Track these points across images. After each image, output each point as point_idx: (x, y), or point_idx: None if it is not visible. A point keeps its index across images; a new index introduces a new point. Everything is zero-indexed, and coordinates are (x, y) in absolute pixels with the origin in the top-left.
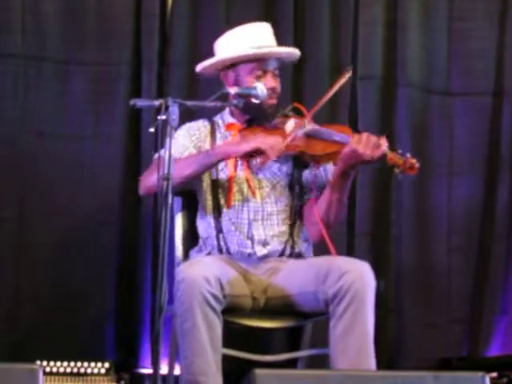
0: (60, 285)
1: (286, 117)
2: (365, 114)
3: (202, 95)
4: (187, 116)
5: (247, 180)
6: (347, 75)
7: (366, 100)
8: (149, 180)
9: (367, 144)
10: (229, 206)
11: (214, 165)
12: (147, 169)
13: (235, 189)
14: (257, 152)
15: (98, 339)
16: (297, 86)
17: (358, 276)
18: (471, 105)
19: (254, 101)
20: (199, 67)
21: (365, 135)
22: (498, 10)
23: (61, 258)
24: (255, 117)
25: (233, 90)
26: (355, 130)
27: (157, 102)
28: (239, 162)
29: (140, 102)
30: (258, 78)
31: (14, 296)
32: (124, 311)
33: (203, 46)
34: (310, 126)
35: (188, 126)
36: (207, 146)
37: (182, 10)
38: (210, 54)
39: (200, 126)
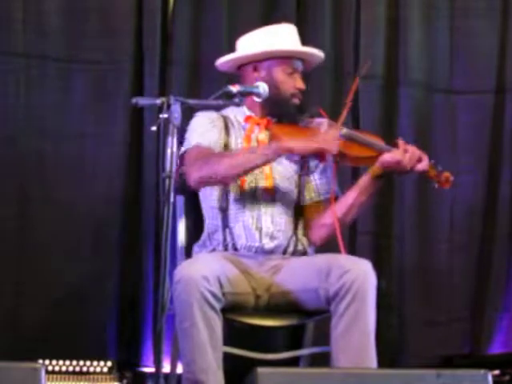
0: (62, 284)
1: (312, 117)
2: (367, 112)
3: (204, 93)
4: (190, 114)
5: (262, 174)
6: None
7: (368, 99)
8: (202, 170)
9: (412, 157)
10: (241, 202)
11: (275, 160)
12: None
13: (248, 184)
14: (317, 152)
15: (101, 338)
16: None
17: (360, 274)
18: (474, 103)
19: (256, 99)
20: (222, 60)
21: (410, 149)
22: (500, 8)
23: (62, 257)
24: (278, 113)
25: (235, 89)
26: (357, 128)
27: (159, 101)
28: None
29: (142, 101)
30: (290, 75)
31: (15, 294)
32: (126, 310)
33: (205, 45)
34: (346, 129)
35: (203, 113)
36: (223, 137)
37: (184, 8)
38: (212, 52)
39: (215, 118)
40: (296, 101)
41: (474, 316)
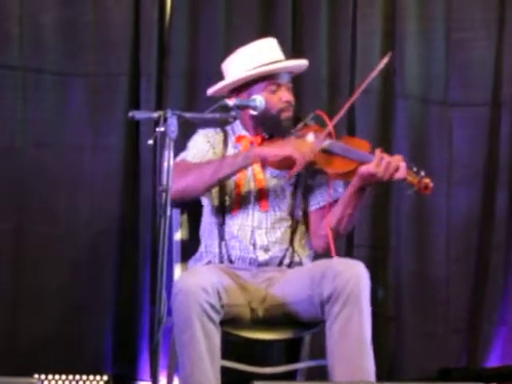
0: (59, 297)
1: (307, 127)
2: (363, 124)
3: (201, 106)
4: (186, 128)
5: (256, 188)
6: (385, 60)
7: (364, 111)
8: (178, 183)
9: (387, 168)
10: (234, 213)
11: (247, 166)
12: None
13: (242, 196)
14: (289, 160)
15: (97, 352)
16: (295, 100)
17: (353, 276)
18: (469, 115)
19: (253, 112)
20: (210, 91)
21: (385, 159)
22: (496, 20)
23: (59, 270)
24: (271, 131)
25: (231, 102)
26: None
27: (155, 114)
28: (249, 169)
29: (138, 114)
30: (273, 92)
31: (12, 308)
32: (123, 323)
33: (202, 58)
34: (328, 141)
35: (204, 132)
36: (220, 152)
37: (181, 21)
38: (209, 65)
39: (213, 134)
40: (286, 114)
41: (471, 328)
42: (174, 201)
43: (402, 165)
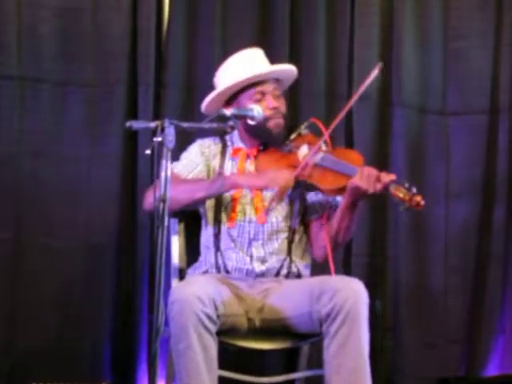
0: (57, 307)
1: (302, 137)
2: (360, 134)
3: (199, 116)
4: (184, 137)
5: (253, 201)
6: (376, 71)
7: (361, 120)
8: (151, 197)
9: (368, 179)
10: (231, 226)
11: (225, 192)
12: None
13: (238, 208)
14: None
15: (96, 361)
16: (293, 109)
17: (351, 294)
18: (467, 124)
19: (250, 122)
20: (203, 107)
21: (365, 170)
22: (493, 29)
23: (57, 280)
24: (264, 140)
25: (228, 112)
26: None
27: (153, 124)
28: None
29: (136, 124)
30: (258, 101)
31: (10, 318)
32: (121, 333)
33: (199, 67)
34: (321, 155)
35: (200, 142)
36: (216, 164)
37: (178, 31)
38: (206, 75)
39: (211, 144)
40: (275, 122)
41: (470, 338)
42: (149, 210)
43: (384, 176)
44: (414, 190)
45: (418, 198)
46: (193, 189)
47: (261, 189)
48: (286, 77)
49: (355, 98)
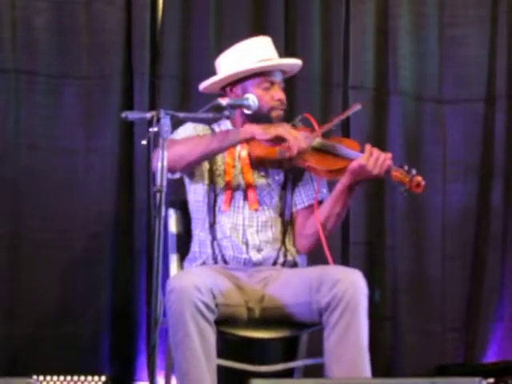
0: (55, 299)
1: (295, 128)
2: (357, 122)
3: (194, 107)
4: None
5: (245, 187)
6: (357, 109)
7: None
8: (173, 152)
9: (376, 161)
10: (225, 214)
11: (237, 144)
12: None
13: (232, 195)
14: (280, 141)
15: (94, 353)
16: (288, 99)
17: (351, 285)
18: (464, 112)
19: (246, 111)
20: (203, 85)
21: (375, 152)
22: (489, 16)
23: (55, 272)
24: None
25: (224, 101)
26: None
27: (148, 114)
28: (238, 167)
29: (131, 115)
30: (267, 89)
31: (8, 311)
32: (120, 324)
33: (194, 58)
34: (318, 139)
35: (193, 124)
36: None
37: (173, 22)
38: (201, 66)
39: (203, 129)
40: (277, 113)
41: (468, 325)
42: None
43: (388, 157)
44: (414, 171)
45: (419, 179)
46: (206, 141)
47: (276, 138)
48: (292, 70)
49: (334, 122)
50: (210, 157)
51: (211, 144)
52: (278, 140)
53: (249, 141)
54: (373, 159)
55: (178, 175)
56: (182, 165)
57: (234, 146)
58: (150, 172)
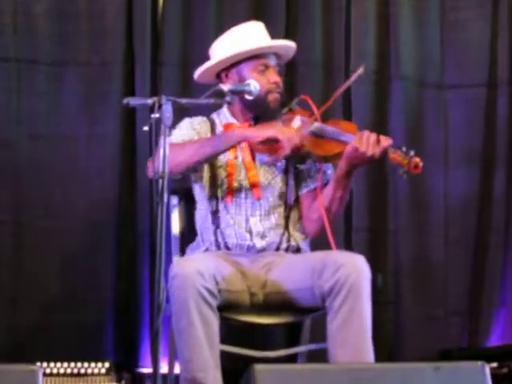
0: (58, 286)
1: (292, 112)
2: (359, 108)
3: (195, 93)
4: (181, 114)
5: (247, 177)
6: (360, 71)
7: (359, 94)
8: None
9: (368, 142)
10: (228, 203)
11: (230, 147)
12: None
13: (234, 185)
14: (272, 141)
15: (98, 339)
16: (290, 84)
17: (354, 269)
18: (465, 97)
19: (248, 97)
20: (197, 73)
21: (365, 133)
22: (491, 1)
23: (58, 259)
24: (259, 113)
25: (226, 87)
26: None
27: (150, 101)
28: (239, 158)
29: (133, 101)
30: (262, 72)
31: (12, 298)
32: (123, 311)
33: (196, 45)
34: (315, 124)
35: (189, 120)
36: None
37: (174, 8)
38: (202, 53)
39: (201, 122)
40: (274, 96)
41: (471, 310)
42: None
43: (384, 139)
44: (412, 152)
45: (417, 160)
46: (201, 146)
47: (269, 140)
48: (286, 54)
49: (339, 93)
50: (206, 162)
51: (205, 150)
52: (271, 141)
53: (241, 143)
54: (364, 140)
55: (178, 176)
56: (178, 172)
57: (227, 149)
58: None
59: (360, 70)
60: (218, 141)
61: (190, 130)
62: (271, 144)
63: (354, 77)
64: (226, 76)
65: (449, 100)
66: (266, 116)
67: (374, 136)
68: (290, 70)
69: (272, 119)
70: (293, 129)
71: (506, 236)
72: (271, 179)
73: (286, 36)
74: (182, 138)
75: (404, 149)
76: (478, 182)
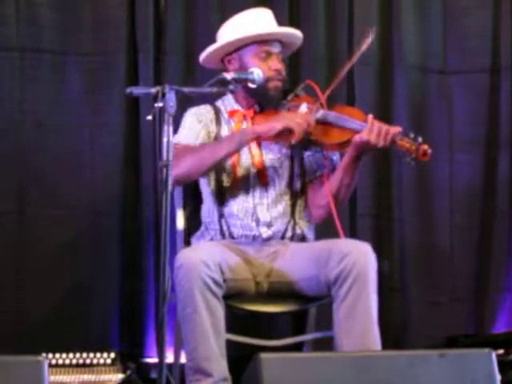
0: (63, 276)
1: (298, 98)
2: (362, 95)
3: (199, 82)
4: (184, 103)
5: (254, 165)
6: (369, 40)
7: (363, 82)
8: (178, 169)
9: (379, 133)
10: (234, 192)
11: (244, 147)
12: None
13: (240, 174)
14: (285, 131)
15: (103, 329)
16: (293, 73)
17: (360, 257)
18: (469, 83)
19: (251, 85)
20: (203, 55)
21: (376, 126)
22: None
23: (63, 250)
24: (260, 100)
25: (229, 76)
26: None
27: (153, 90)
28: (245, 148)
29: (136, 90)
30: (263, 59)
31: (17, 288)
32: (128, 301)
33: (199, 33)
34: (322, 111)
35: (193, 110)
36: (214, 129)
37: None
38: (205, 41)
39: (204, 112)
40: (275, 84)
41: (477, 296)
42: (176, 184)
43: (393, 128)
44: (420, 139)
45: (425, 147)
46: (214, 149)
47: (281, 132)
48: (292, 42)
49: (350, 64)
50: (219, 165)
51: (218, 153)
52: (284, 132)
53: (254, 140)
54: (375, 133)
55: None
56: (190, 180)
57: (241, 149)
58: (156, 146)
59: (369, 38)
60: (231, 142)
61: (196, 124)
62: (285, 135)
63: (364, 46)
64: (229, 62)
65: (452, 86)
66: (266, 103)
67: (384, 127)
68: (293, 60)
69: (276, 107)
70: (302, 114)
71: (510, 221)
72: (278, 166)
73: (289, 26)
74: (191, 135)
75: (412, 135)
76: (482, 167)
